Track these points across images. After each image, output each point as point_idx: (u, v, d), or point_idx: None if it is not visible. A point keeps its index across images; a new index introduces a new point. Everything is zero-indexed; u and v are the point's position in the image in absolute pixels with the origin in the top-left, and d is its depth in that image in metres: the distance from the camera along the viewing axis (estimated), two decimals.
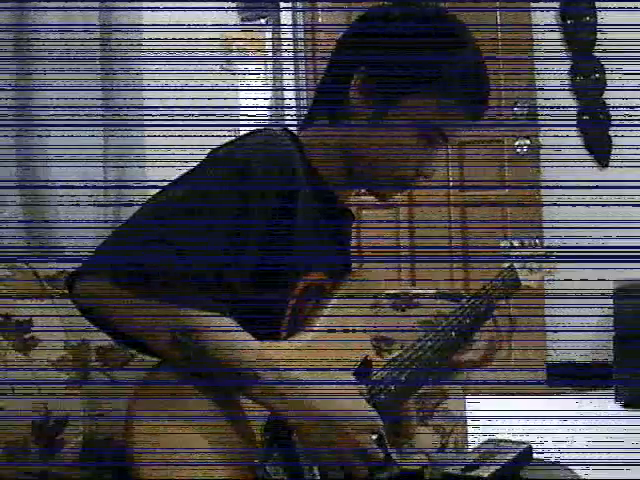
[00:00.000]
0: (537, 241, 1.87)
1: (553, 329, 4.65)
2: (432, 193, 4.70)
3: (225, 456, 1.15)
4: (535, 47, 4.51)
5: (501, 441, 1.37)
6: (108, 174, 2.49)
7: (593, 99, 4.63)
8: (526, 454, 1.34)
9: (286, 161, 1.34)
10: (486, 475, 1.23)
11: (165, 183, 1.31)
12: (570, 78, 4.66)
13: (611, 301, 4.26)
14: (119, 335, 1.27)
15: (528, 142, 4.52)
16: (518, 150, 4.53)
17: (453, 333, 1.49)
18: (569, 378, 4.66)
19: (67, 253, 2.20)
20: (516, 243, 1.80)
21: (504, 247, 1.79)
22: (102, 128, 2.43)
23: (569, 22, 4.62)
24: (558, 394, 4.53)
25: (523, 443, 1.35)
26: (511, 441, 1.36)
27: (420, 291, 2.87)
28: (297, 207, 1.34)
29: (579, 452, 3.57)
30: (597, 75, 4.61)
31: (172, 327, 1.16)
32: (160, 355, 1.21)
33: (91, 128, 2.36)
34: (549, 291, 4.56)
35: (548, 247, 1.90)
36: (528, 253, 1.81)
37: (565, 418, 4.08)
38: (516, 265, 1.75)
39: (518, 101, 4.52)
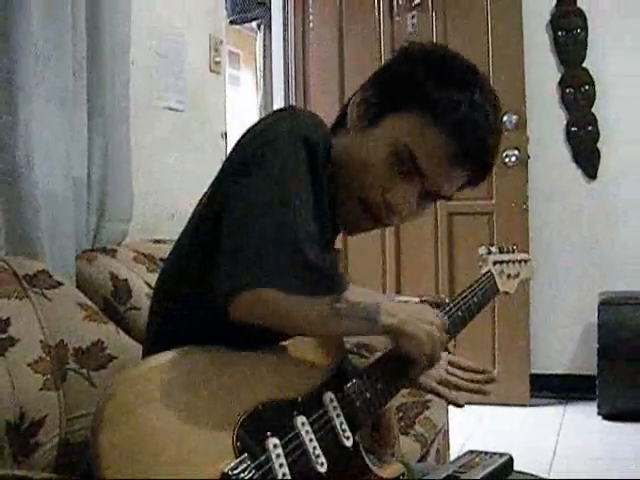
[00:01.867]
0: (514, 247, 1.86)
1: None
2: None
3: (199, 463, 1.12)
4: (525, 58, 4.50)
5: (482, 452, 1.35)
6: (92, 172, 2.46)
7: (582, 111, 4.63)
8: (507, 465, 1.32)
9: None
10: None
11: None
12: (559, 89, 4.66)
13: (595, 313, 4.23)
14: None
15: (517, 153, 4.51)
16: (506, 161, 4.52)
17: None
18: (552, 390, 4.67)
19: (46, 254, 2.17)
20: (494, 249, 1.80)
21: (482, 254, 1.78)
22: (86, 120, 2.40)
23: (560, 34, 4.63)
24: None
25: (504, 454, 1.33)
26: (492, 452, 1.35)
27: (404, 298, 2.87)
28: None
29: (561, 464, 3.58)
30: (587, 87, 4.61)
31: (328, 302, 1.25)
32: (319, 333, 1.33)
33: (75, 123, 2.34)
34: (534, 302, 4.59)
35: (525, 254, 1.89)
36: (506, 259, 1.80)
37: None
38: (494, 272, 1.74)
39: (507, 112, 4.50)
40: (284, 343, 1.33)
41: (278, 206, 1.24)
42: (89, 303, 2.04)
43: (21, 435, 1.69)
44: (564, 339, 4.68)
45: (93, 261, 2.31)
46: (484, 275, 1.72)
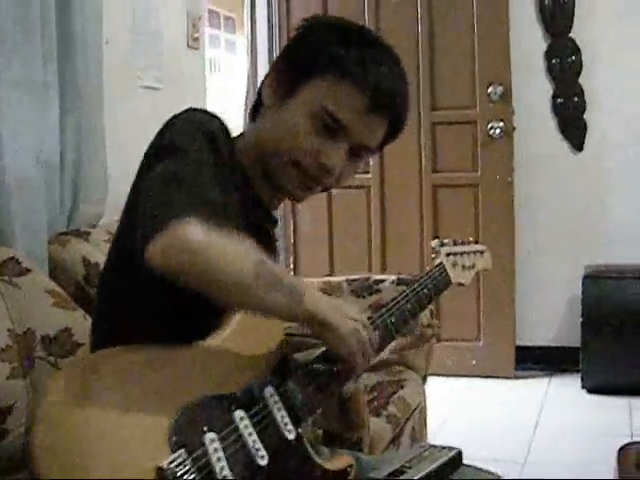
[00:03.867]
0: (470, 239, 1.87)
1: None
2: (405, 175, 4.71)
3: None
4: (511, 28, 4.46)
5: (432, 446, 1.36)
6: (65, 155, 2.46)
7: (568, 82, 4.61)
8: (455, 459, 1.33)
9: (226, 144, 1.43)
10: None
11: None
12: (546, 60, 4.63)
13: (580, 285, 4.25)
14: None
15: (502, 124, 4.49)
16: (491, 132, 4.51)
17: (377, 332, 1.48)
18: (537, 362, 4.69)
19: (17, 240, 2.17)
20: (447, 241, 1.81)
21: (434, 246, 1.79)
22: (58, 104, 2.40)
23: (545, 3, 4.59)
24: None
25: (453, 448, 1.34)
26: (442, 446, 1.36)
27: (381, 277, 2.88)
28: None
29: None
30: (573, 58, 4.59)
31: (252, 259, 1.24)
32: (243, 298, 1.26)
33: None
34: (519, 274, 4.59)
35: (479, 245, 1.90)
36: (459, 250, 1.81)
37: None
38: (447, 264, 1.75)
39: (492, 83, 4.48)
40: (225, 337, 1.33)
41: (186, 177, 1.29)
42: (57, 289, 2.04)
43: None
44: (549, 311, 4.69)
45: (66, 245, 2.31)
46: (435, 267, 1.73)
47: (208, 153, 1.35)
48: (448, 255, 1.78)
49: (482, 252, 1.89)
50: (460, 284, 1.79)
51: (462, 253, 1.82)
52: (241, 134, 1.56)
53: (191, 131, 1.36)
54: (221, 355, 1.29)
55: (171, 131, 1.38)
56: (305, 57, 1.47)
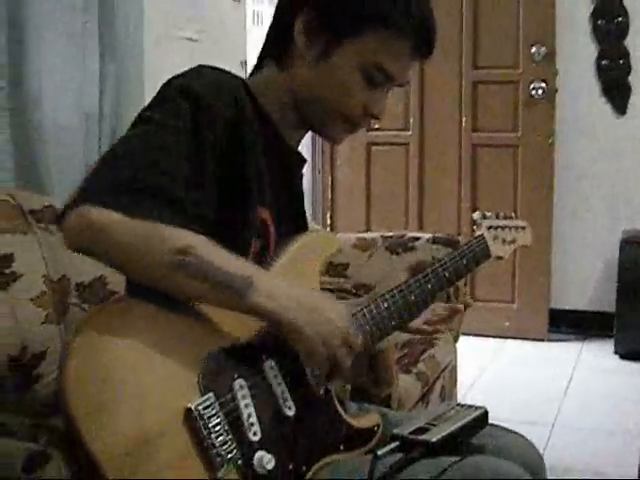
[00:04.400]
0: (512, 214, 1.86)
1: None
2: (444, 133, 4.68)
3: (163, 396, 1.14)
4: None
5: (458, 404, 1.37)
6: (104, 104, 2.47)
7: (614, 44, 4.53)
8: (481, 419, 1.33)
9: (234, 95, 1.36)
10: (434, 439, 1.23)
11: None
12: (591, 21, 4.55)
13: (617, 250, 4.21)
14: None
15: (544, 85, 4.44)
16: (533, 93, 4.45)
17: (413, 297, 1.49)
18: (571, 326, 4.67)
19: (55, 187, 2.20)
20: (489, 215, 1.80)
21: (476, 218, 1.78)
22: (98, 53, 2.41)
23: None
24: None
25: (479, 407, 1.35)
26: (468, 405, 1.36)
27: (416, 235, 2.88)
28: (244, 141, 1.36)
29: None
30: (620, 19, 4.50)
31: (171, 248, 1.16)
32: (159, 283, 1.19)
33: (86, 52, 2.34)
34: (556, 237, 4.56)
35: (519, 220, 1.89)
36: (501, 224, 1.81)
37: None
38: (487, 236, 1.75)
39: (535, 43, 4.42)
40: None
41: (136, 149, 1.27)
42: None
43: (23, 367, 1.73)
44: (585, 275, 4.66)
45: None
46: (475, 238, 1.73)
47: (189, 123, 1.28)
48: (489, 228, 1.78)
49: (523, 228, 1.88)
50: (499, 258, 1.79)
51: (504, 227, 1.82)
52: (257, 72, 1.52)
53: (175, 99, 1.30)
54: None
55: (161, 96, 1.34)
56: (343, 12, 1.41)
